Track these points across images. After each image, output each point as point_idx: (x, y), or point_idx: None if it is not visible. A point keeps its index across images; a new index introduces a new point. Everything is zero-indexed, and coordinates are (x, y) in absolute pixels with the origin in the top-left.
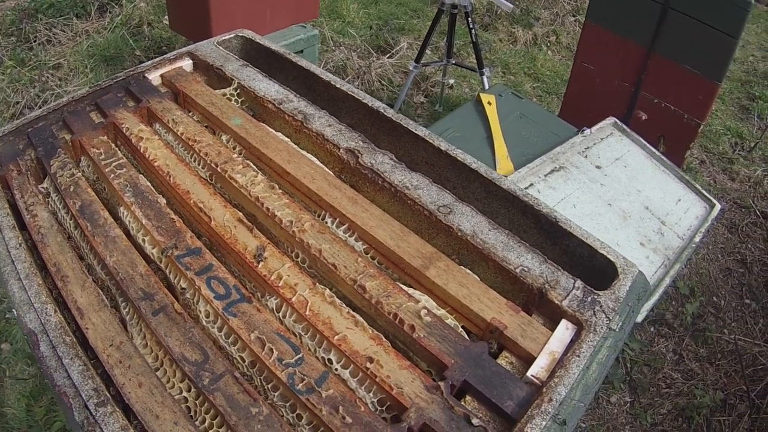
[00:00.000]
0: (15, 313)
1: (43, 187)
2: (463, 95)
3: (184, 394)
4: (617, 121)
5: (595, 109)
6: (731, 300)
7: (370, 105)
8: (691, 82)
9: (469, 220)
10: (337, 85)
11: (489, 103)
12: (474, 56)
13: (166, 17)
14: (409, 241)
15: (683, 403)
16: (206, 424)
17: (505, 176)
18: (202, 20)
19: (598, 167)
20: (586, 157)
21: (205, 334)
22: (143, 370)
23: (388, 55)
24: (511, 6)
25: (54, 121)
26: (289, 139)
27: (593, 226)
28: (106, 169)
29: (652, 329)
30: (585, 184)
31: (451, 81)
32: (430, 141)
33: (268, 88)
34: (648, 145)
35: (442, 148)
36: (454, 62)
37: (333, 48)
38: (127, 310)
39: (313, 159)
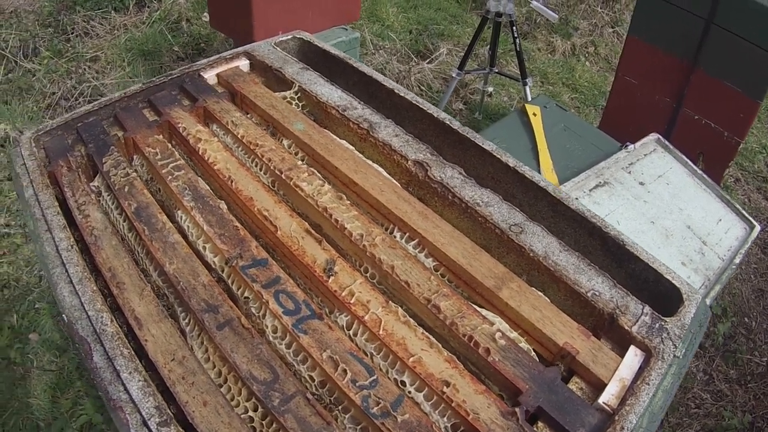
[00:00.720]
0: (65, 318)
1: (94, 185)
2: (501, 103)
3: (251, 413)
4: (660, 137)
5: (635, 123)
6: (763, 321)
7: (435, 116)
8: (732, 100)
9: (540, 241)
10: (401, 94)
11: (534, 114)
12: (516, 65)
13: (205, 14)
14: (481, 260)
15: (711, 425)
16: None
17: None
18: (243, 19)
19: (641, 183)
20: (629, 173)
21: (272, 351)
22: (208, 388)
23: (427, 60)
24: (556, 16)
25: (105, 116)
26: (353, 148)
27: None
28: (163, 171)
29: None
30: (629, 200)
31: (490, 89)
32: (498, 156)
33: (330, 93)
34: (690, 162)
35: (510, 165)
36: (497, 71)
37: (373, 51)
38: (187, 321)
39: (380, 170)
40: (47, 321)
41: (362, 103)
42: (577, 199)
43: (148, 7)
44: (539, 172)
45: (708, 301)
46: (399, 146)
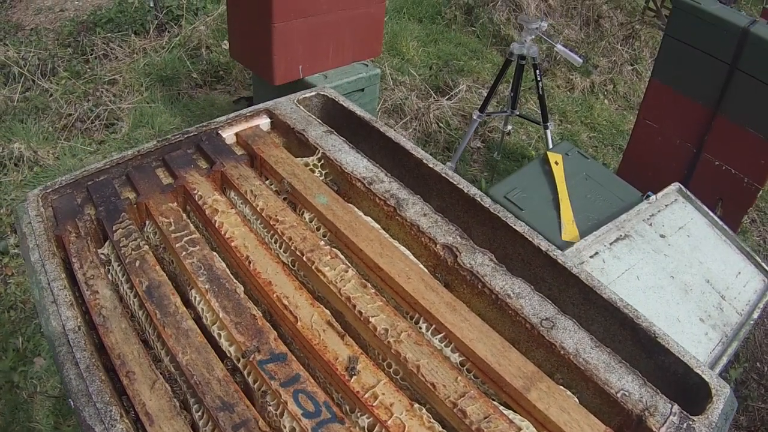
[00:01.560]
0: (71, 403)
1: (103, 254)
2: (520, 142)
3: None
4: (682, 187)
5: (655, 167)
6: None
7: (465, 191)
8: (753, 146)
9: (571, 336)
10: (430, 165)
11: (556, 163)
12: (535, 104)
13: (225, 42)
14: (510, 357)
15: None
16: None
17: (585, 270)
18: (264, 52)
19: (662, 236)
20: (650, 225)
21: None
22: None
23: (447, 96)
24: (581, 60)
25: (116, 175)
26: (379, 226)
27: (656, 299)
28: (177, 245)
29: None
30: (649, 254)
31: (510, 128)
32: (530, 239)
33: (356, 163)
34: (710, 212)
35: (542, 248)
36: (518, 113)
37: (392, 87)
38: (200, 414)
39: (407, 252)
40: None
41: (389, 175)
42: (597, 253)
43: (168, 32)
44: (560, 224)
45: (725, 359)
46: (427, 227)
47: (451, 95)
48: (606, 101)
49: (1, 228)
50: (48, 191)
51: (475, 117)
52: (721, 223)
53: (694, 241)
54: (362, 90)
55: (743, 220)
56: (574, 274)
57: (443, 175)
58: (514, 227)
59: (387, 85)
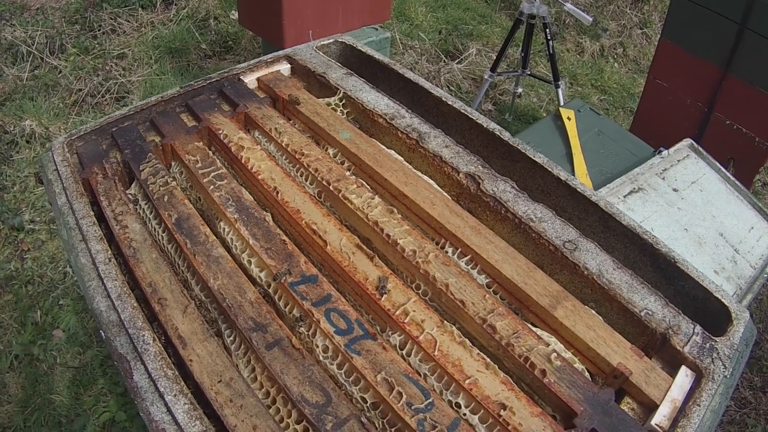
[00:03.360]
0: (102, 334)
1: (130, 194)
2: (531, 105)
3: None
4: (693, 143)
5: (666, 126)
6: None
7: (485, 126)
8: (764, 105)
9: (594, 258)
10: (449, 102)
11: (568, 119)
12: (546, 66)
13: (233, 12)
14: (535, 277)
15: None
16: None
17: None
18: (273, 18)
19: (675, 190)
20: (663, 179)
21: (324, 372)
22: (257, 411)
23: (457, 60)
24: (590, 18)
25: (140, 121)
26: (402, 158)
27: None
28: (204, 180)
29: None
30: (662, 207)
31: (520, 90)
32: (549, 169)
33: (377, 101)
34: (722, 168)
35: (562, 178)
36: (529, 73)
37: (402, 51)
38: (232, 338)
39: (430, 182)
40: (71, 318)
41: (410, 111)
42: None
43: (175, 4)
44: (574, 176)
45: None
46: (450, 158)
47: (461, 59)
48: (616, 64)
49: (15, 205)
50: (73, 138)
51: (486, 77)
52: (733, 178)
53: (706, 195)
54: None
55: (756, 183)
56: (594, 202)
57: (462, 111)
58: (533, 158)
59: (397, 49)
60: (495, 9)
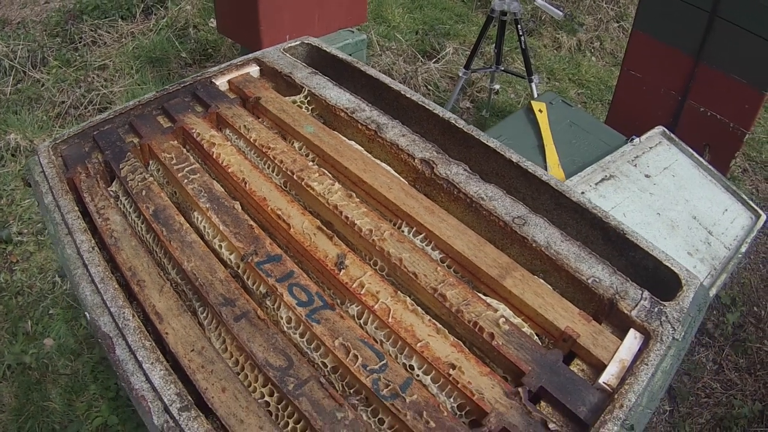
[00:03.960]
0: (87, 316)
1: (112, 190)
2: (508, 101)
3: (267, 399)
4: (665, 130)
5: (641, 116)
6: None
7: (441, 115)
8: (737, 92)
9: (542, 231)
10: (407, 95)
11: (540, 111)
12: (522, 62)
13: (212, 20)
14: (485, 251)
15: (722, 413)
16: (289, 428)
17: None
18: (251, 24)
19: (647, 176)
20: (635, 165)
21: (287, 340)
22: (226, 375)
23: (434, 60)
24: (561, 14)
25: (120, 124)
26: (362, 148)
27: (643, 235)
28: (179, 174)
29: (693, 338)
30: (634, 192)
31: (497, 86)
32: (501, 152)
33: (339, 96)
34: (695, 154)
35: (514, 160)
36: (503, 69)
37: (379, 53)
38: (205, 315)
39: (388, 168)
40: (61, 326)
41: (370, 105)
42: (582, 193)
43: (154, 14)
44: (546, 168)
45: (714, 291)
46: (406, 145)
47: (438, 58)
48: (593, 58)
49: (2, 218)
50: (57, 142)
51: (461, 74)
52: (706, 163)
53: (679, 180)
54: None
55: (735, 170)
56: (545, 181)
57: (420, 103)
58: (486, 143)
59: (374, 51)
60: (471, 8)
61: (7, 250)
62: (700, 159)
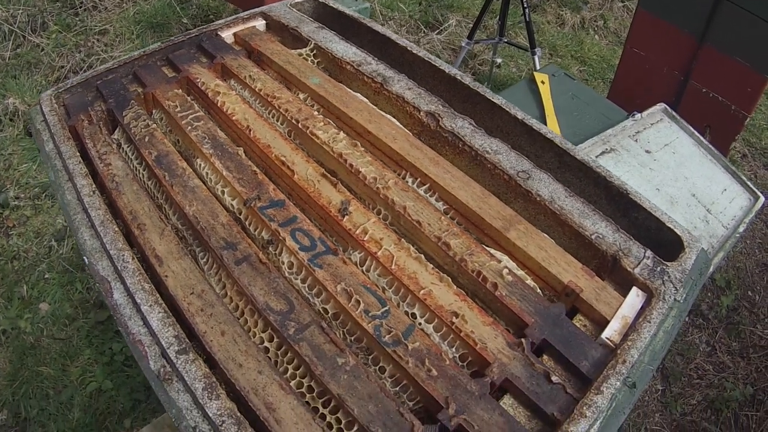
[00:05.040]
0: (86, 260)
1: (114, 138)
2: (510, 74)
3: (267, 344)
4: (667, 107)
5: (643, 94)
6: (766, 295)
7: (446, 72)
8: (740, 74)
9: (546, 186)
10: (414, 51)
11: (542, 83)
12: (525, 36)
13: None
14: (489, 203)
15: (713, 395)
16: (289, 374)
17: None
18: None
19: (647, 152)
20: (636, 141)
21: (288, 284)
22: (226, 318)
23: (436, 31)
24: None
25: (124, 74)
26: (368, 101)
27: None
28: (183, 122)
29: (687, 319)
30: (634, 167)
31: (499, 60)
32: (507, 109)
33: (345, 50)
34: (696, 133)
35: (519, 117)
36: (506, 41)
37: (382, 23)
38: (205, 259)
39: (394, 120)
40: (57, 291)
41: (376, 59)
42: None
43: None
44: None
45: (712, 268)
46: (412, 98)
47: (441, 30)
48: (596, 36)
49: (0, 182)
50: (60, 91)
51: (463, 44)
52: (706, 143)
53: (679, 158)
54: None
55: (734, 155)
56: (549, 139)
57: (426, 59)
58: (492, 100)
59: (377, 21)
60: None
61: (3, 214)
62: (701, 138)
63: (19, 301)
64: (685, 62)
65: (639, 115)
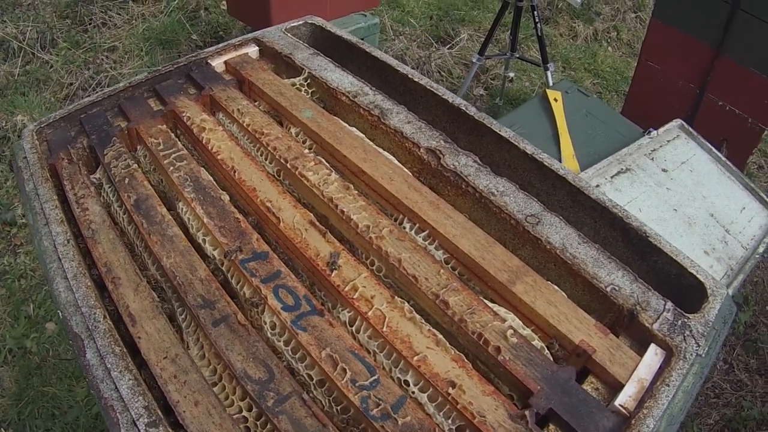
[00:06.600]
0: (60, 314)
1: (95, 178)
2: (523, 89)
3: (245, 413)
4: (684, 123)
5: (658, 108)
6: None
7: (450, 102)
8: (756, 86)
9: (558, 232)
10: (415, 79)
11: (555, 100)
12: (538, 50)
13: (223, 2)
14: (494, 252)
15: (730, 414)
16: None
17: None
18: (261, 6)
19: (664, 170)
20: (652, 159)
21: (270, 349)
22: (200, 387)
23: (448, 46)
24: (579, 1)
25: (109, 107)
26: (364, 135)
27: (659, 231)
28: (165, 161)
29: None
30: (651, 187)
31: (512, 74)
32: (515, 143)
33: (341, 79)
34: (714, 149)
35: (528, 152)
36: (518, 56)
37: (393, 38)
38: (184, 317)
39: (391, 158)
40: None
41: (374, 89)
42: (598, 186)
43: None
44: (560, 158)
45: (730, 291)
46: (411, 133)
47: (453, 44)
48: (610, 48)
49: (7, 200)
50: (42, 126)
51: (474, 60)
52: (724, 159)
53: (697, 176)
54: (361, 40)
55: (750, 166)
56: (561, 176)
57: (428, 87)
58: (498, 132)
59: (387, 36)
60: None
61: (11, 232)
62: (719, 154)
63: (25, 320)
64: (701, 74)
65: (655, 132)
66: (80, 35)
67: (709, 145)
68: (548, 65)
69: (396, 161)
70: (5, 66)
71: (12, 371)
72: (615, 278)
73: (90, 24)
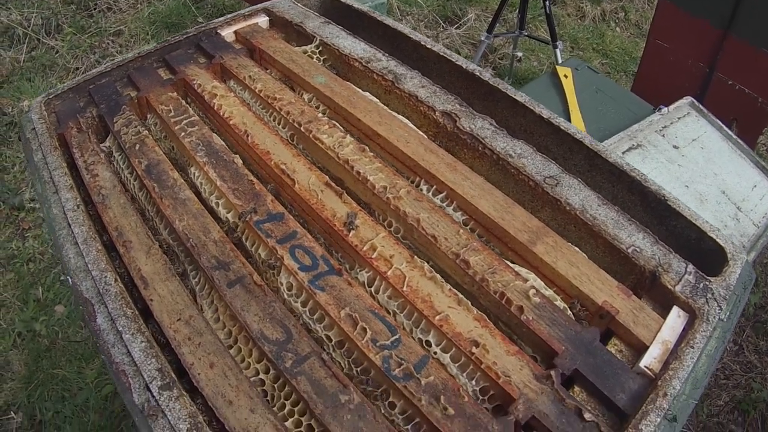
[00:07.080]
0: (69, 280)
1: (105, 146)
2: (531, 68)
3: (261, 376)
4: (694, 101)
5: (667, 87)
6: None
7: (464, 67)
8: (766, 65)
9: (577, 194)
10: (428, 46)
11: (565, 77)
12: (546, 30)
13: None
14: (514, 213)
15: (740, 396)
16: (286, 411)
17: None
18: None
19: (675, 147)
20: (663, 136)
21: (286, 309)
22: (215, 349)
23: (455, 25)
24: None
25: (118, 77)
26: (377, 100)
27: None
28: (176, 127)
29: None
30: (662, 163)
31: (520, 54)
32: (531, 108)
33: (353, 46)
34: (724, 126)
35: (544, 116)
36: (526, 34)
37: (400, 18)
38: (197, 279)
39: (406, 121)
40: (72, 293)
41: (386, 54)
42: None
43: None
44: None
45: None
46: (426, 97)
47: (460, 24)
48: (618, 29)
49: (15, 184)
50: (50, 97)
51: (483, 38)
52: (735, 137)
53: (708, 153)
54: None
55: (759, 148)
56: (578, 140)
57: (442, 54)
58: (514, 97)
59: (394, 16)
60: None
61: (19, 216)
62: (729, 132)
63: (34, 304)
64: (710, 54)
65: (665, 109)
66: (85, 20)
67: (720, 123)
68: (557, 43)
69: (411, 125)
70: (11, 52)
71: (21, 354)
72: (636, 240)
73: (95, 9)
